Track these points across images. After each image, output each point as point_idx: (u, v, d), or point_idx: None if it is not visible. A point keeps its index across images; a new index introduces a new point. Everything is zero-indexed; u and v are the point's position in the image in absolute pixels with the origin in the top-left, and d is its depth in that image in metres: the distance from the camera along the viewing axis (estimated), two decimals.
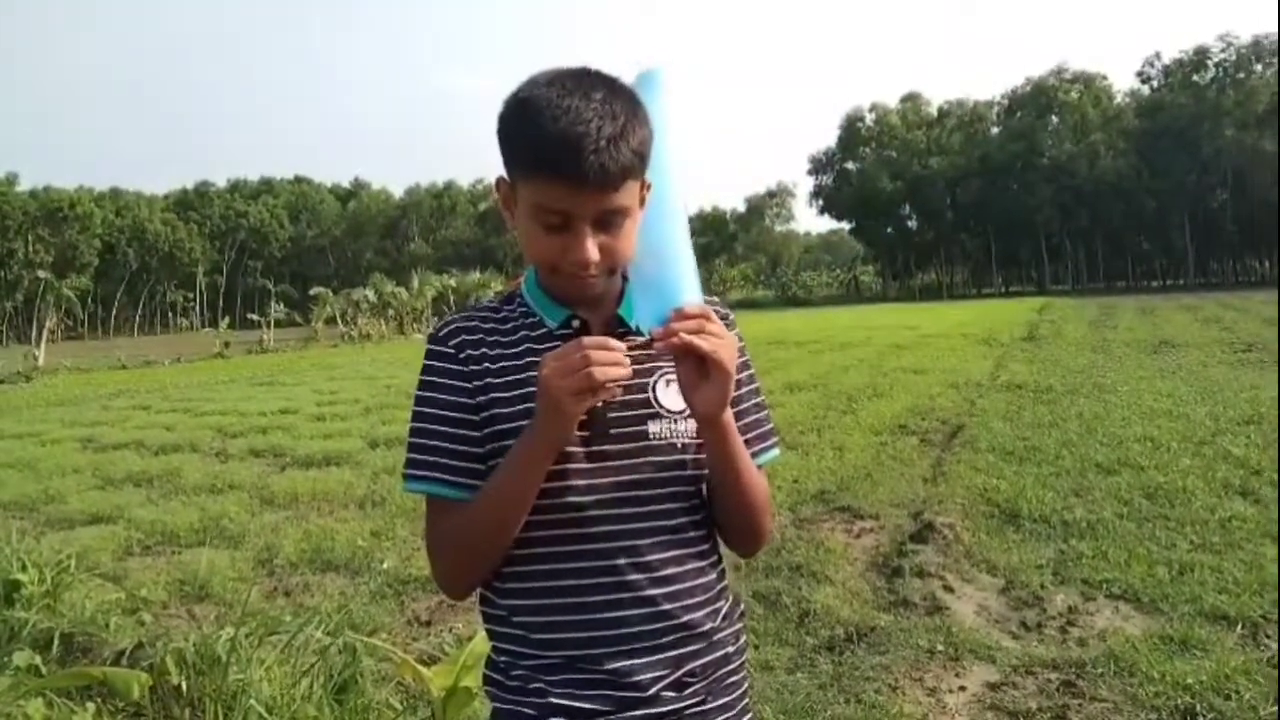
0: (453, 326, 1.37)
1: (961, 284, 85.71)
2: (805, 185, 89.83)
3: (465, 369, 1.33)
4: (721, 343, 1.19)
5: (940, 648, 4.05)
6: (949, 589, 4.76)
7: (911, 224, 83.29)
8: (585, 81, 1.24)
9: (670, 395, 1.32)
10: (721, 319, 1.32)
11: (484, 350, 1.34)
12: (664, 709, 1.29)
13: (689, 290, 1.27)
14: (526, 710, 1.30)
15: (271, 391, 17.69)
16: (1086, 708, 3.46)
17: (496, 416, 1.31)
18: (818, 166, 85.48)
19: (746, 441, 1.36)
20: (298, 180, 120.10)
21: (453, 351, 1.34)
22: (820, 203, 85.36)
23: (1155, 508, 6.03)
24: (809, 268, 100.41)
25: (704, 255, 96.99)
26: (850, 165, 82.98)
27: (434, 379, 1.35)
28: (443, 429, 1.32)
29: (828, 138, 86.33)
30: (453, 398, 1.32)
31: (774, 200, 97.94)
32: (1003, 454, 7.87)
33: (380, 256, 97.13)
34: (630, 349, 1.25)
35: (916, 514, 6.15)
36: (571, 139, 1.17)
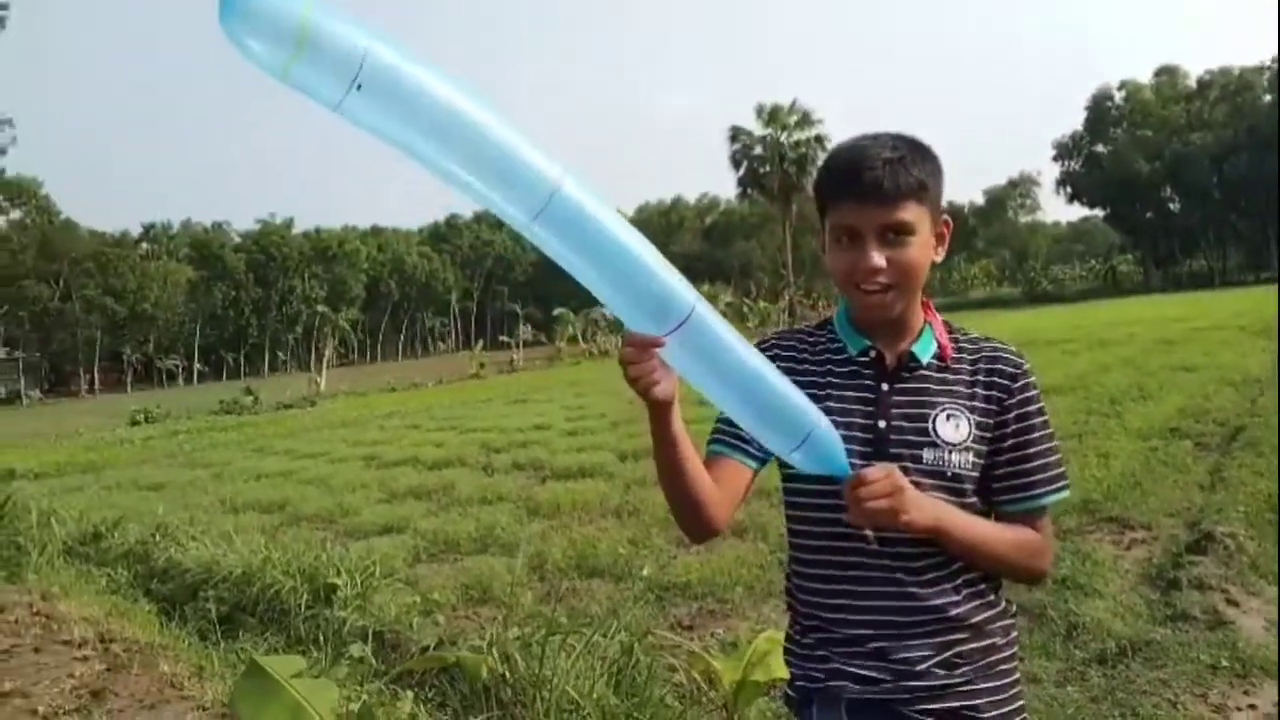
0: (769, 342, 1.67)
1: (1235, 269, 77.84)
2: (1050, 173, 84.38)
3: None
4: (876, 509, 1.38)
5: (1224, 663, 3.84)
6: (1233, 602, 4.48)
7: (1173, 206, 76.39)
8: (885, 133, 1.52)
9: (948, 428, 1.51)
10: (1016, 367, 1.60)
11: (791, 365, 1.58)
12: (935, 683, 1.49)
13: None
14: (816, 673, 1.56)
15: (525, 409, 18.74)
16: None
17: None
18: (1063, 152, 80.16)
19: (1033, 483, 1.56)
20: None
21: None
22: (1068, 190, 79.87)
23: None
24: (1059, 260, 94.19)
25: None
26: (1100, 148, 77.23)
27: None
28: None
29: (1072, 121, 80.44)
30: None
31: (1016, 190, 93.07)
32: None
33: None
34: (918, 383, 1.55)
35: (1193, 523, 5.79)
36: (855, 161, 1.46)
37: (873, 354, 1.57)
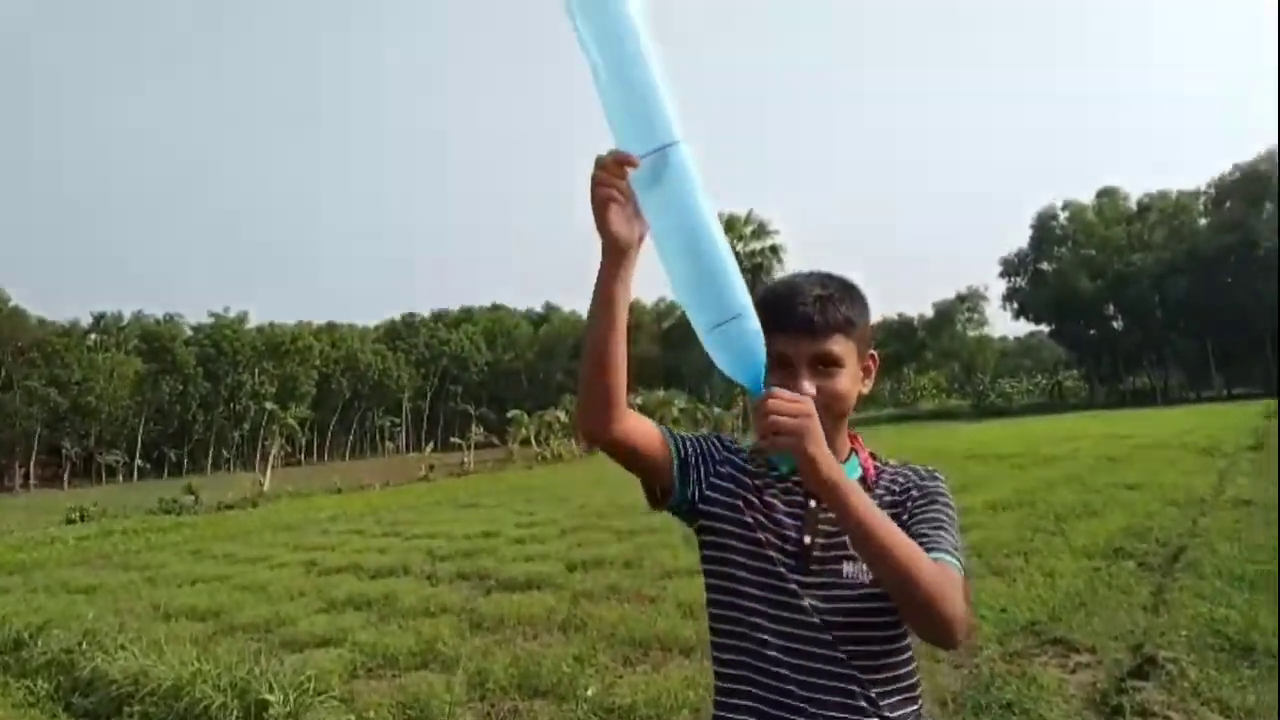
0: (716, 440, 1.77)
1: (1177, 387, 79.92)
2: (997, 288, 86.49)
3: (720, 465, 1.72)
4: (780, 424, 1.38)
5: None
6: None
7: (1116, 325, 78.66)
8: (816, 271, 1.68)
9: None
10: (927, 473, 1.71)
11: (733, 469, 1.72)
12: None
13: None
14: None
15: (474, 514, 18.46)
16: None
17: (714, 514, 1.68)
18: (1010, 268, 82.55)
19: (924, 535, 1.57)
20: (494, 308, 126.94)
21: (722, 446, 1.75)
22: (1015, 306, 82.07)
23: None
24: (1007, 374, 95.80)
25: (892, 364, 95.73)
26: (1045, 265, 79.71)
27: (706, 438, 1.76)
28: (693, 442, 1.72)
29: (1019, 238, 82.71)
30: (709, 448, 1.73)
31: (964, 304, 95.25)
32: (1231, 579, 7.32)
33: (569, 377, 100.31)
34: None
35: (1137, 647, 5.80)
36: (788, 296, 1.61)
37: None
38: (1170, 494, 12.70)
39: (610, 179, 1.40)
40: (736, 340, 1.42)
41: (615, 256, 1.45)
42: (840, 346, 1.59)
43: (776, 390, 1.41)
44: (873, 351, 1.69)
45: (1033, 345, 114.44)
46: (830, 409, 1.58)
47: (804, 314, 1.58)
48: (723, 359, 1.44)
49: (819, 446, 1.38)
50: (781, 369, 1.58)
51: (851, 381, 1.62)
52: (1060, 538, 9.84)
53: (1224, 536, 9.13)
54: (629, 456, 1.60)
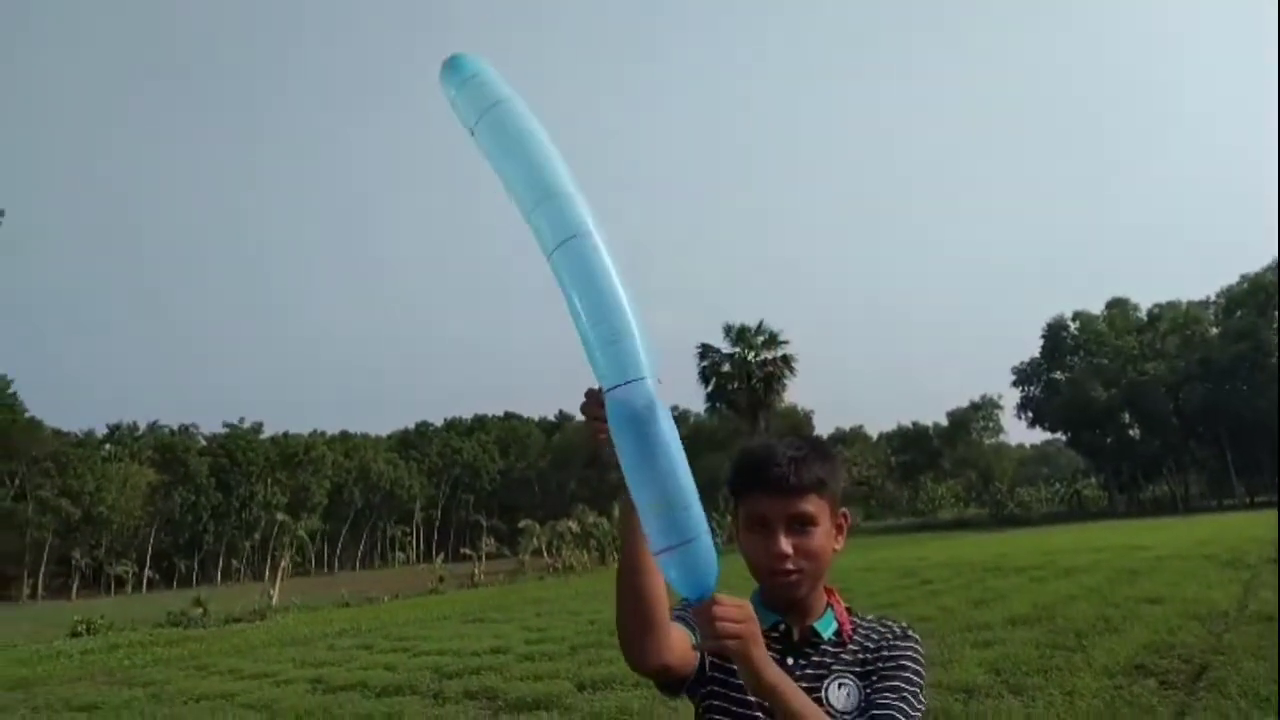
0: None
1: (1198, 495, 78.68)
2: (1011, 396, 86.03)
3: None
4: (721, 630, 1.40)
5: None
6: None
7: (1133, 433, 77.80)
8: (790, 437, 1.72)
9: (839, 696, 1.64)
10: (899, 630, 1.74)
11: None
12: None
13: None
14: None
15: (483, 629, 18.20)
16: None
17: (716, 679, 1.70)
18: (1023, 377, 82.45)
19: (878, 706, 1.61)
20: (508, 416, 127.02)
21: None
22: (1030, 414, 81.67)
23: None
24: (1025, 482, 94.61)
25: (908, 473, 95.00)
26: (1058, 375, 79.54)
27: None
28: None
29: (1029, 348, 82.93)
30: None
31: (979, 413, 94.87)
32: (1256, 700, 7.09)
33: (582, 486, 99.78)
34: (819, 657, 1.68)
35: None
36: (763, 457, 1.66)
37: (781, 629, 1.71)
38: (1192, 608, 12.39)
39: (594, 411, 1.48)
40: (695, 559, 1.41)
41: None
42: (814, 505, 1.65)
43: (720, 597, 1.42)
44: (844, 510, 1.74)
45: (1050, 453, 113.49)
46: (807, 569, 1.64)
47: (779, 474, 1.63)
48: (674, 576, 1.43)
49: (760, 650, 1.44)
50: (759, 528, 1.65)
51: (826, 538, 1.67)
52: (1080, 654, 9.58)
53: (1249, 653, 8.87)
54: (675, 679, 1.65)
